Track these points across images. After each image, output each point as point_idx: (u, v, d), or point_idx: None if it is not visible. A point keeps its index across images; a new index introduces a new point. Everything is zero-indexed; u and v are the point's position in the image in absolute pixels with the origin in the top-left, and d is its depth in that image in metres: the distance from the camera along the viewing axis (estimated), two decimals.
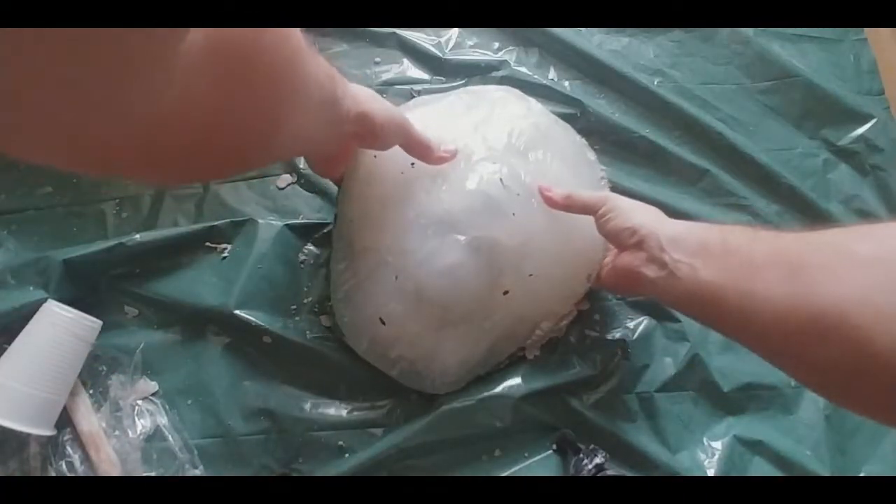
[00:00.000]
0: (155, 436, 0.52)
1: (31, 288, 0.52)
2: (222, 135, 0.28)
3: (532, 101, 0.57)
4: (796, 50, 0.68)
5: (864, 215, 0.64)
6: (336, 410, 0.54)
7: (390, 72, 0.65)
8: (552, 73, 0.66)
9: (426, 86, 0.64)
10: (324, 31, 0.65)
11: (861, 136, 0.66)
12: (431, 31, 0.66)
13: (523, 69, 0.65)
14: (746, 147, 0.64)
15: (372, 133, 0.43)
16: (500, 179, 0.49)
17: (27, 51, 0.16)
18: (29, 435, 0.49)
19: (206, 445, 0.53)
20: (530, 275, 0.50)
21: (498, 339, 0.52)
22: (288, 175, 0.60)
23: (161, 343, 0.55)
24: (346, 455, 0.53)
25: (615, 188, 0.58)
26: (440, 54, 0.65)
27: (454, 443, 0.53)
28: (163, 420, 0.53)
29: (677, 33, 0.68)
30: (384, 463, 0.52)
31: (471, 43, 0.66)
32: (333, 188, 0.58)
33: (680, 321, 0.58)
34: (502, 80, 0.63)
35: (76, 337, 0.50)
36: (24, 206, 0.58)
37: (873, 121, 0.66)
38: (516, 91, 0.58)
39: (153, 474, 0.51)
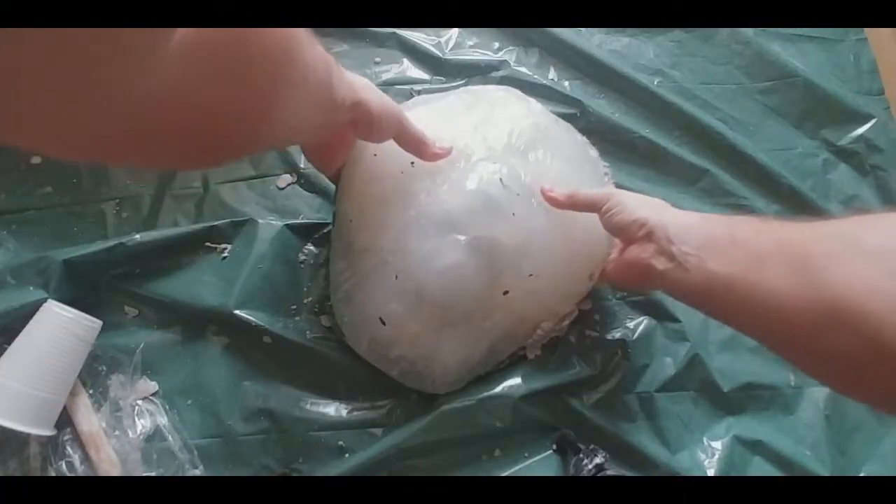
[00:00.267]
0: (155, 436, 0.52)
1: (31, 288, 0.52)
2: (216, 117, 0.28)
3: (532, 101, 0.57)
4: (796, 50, 0.69)
5: None
6: (336, 410, 0.54)
7: (390, 72, 0.65)
8: (552, 73, 0.66)
9: (426, 86, 0.64)
10: (324, 31, 0.65)
11: (861, 136, 0.66)
12: (431, 31, 0.66)
13: (523, 69, 0.65)
14: (746, 147, 0.64)
15: (367, 121, 0.42)
16: (500, 179, 0.49)
17: (11, 35, 0.16)
18: (29, 435, 0.49)
19: (206, 445, 0.53)
20: (530, 275, 0.50)
21: (498, 339, 0.52)
22: (288, 175, 0.60)
23: (161, 343, 0.55)
24: (346, 455, 0.53)
25: (615, 187, 0.58)
26: (440, 54, 0.65)
27: (454, 443, 0.53)
28: (163, 420, 0.53)
29: (677, 33, 0.68)
30: (384, 463, 0.52)
31: (471, 43, 0.66)
32: (333, 188, 0.57)
33: (680, 321, 0.58)
34: (502, 80, 0.63)
35: (76, 337, 0.50)
36: (24, 206, 0.58)
37: (873, 121, 0.66)
38: (516, 91, 0.58)
39: (153, 474, 0.51)
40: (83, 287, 0.54)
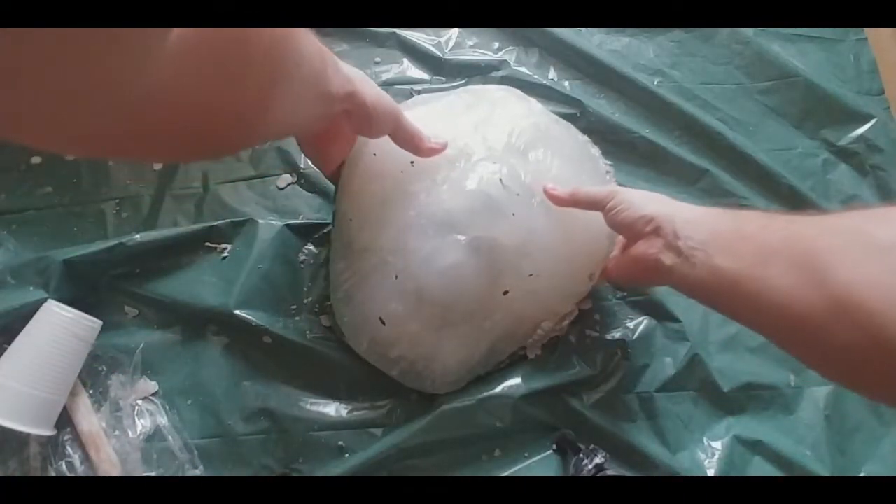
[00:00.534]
0: (155, 436, 0.52)
1: (31, 288, 0.52)
2: (215, 117, 0.28)
3: (532, 101, 0.57)
4: (796, 50, 0.69)
5: None
6: (336, 410, 0.54)
7: (390, 72, 0.65)
8: (552, 73, 0.66)
9: (426, 86, 0.64)
10: (324, 31, 0.65)
11: (861, 136, 0.66)
12: (431, 31, 0.66)
13: (523, 69, 0.65)
14: (746, 147, 0.64)
15: (362, 113, 0.42)
16: (500, 179, 0.49)
17: (11, 35, 0.16)
18: (29, 435, 0.49)
19: (206, 445, 0.53)
20: (530, 275, 0.50)
21: (498, 339, 0.52)
22: (288, 175, 0.60)
23: (161, 343, 0.55)
24: (346, 455, 0.53)
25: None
26: (440, 54, 0.65)
27: (454, 443, 0.53)
28: (163, 420, 0.53)
29: (677, 33, 0.68)
30: (384, 463, 0.52)
31: (471, 43, 0.66)
32: (333, 188, 0.57)
33: (680, 321, 0.58)
34: (502, 80, 0.63)
35: (76, 337, 0.50)
36: (24, 206, 0.58)
37: (873, 121, 0.66)
38: (516, 91, 0.58)
39: (153, 474, 0.51)
40: (83, 287, 0.54)
